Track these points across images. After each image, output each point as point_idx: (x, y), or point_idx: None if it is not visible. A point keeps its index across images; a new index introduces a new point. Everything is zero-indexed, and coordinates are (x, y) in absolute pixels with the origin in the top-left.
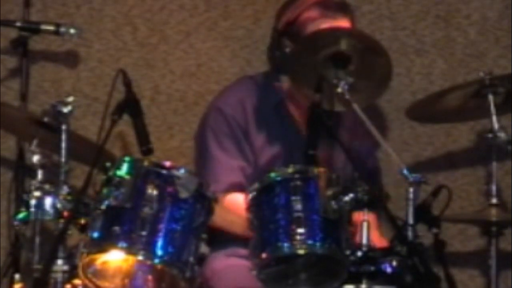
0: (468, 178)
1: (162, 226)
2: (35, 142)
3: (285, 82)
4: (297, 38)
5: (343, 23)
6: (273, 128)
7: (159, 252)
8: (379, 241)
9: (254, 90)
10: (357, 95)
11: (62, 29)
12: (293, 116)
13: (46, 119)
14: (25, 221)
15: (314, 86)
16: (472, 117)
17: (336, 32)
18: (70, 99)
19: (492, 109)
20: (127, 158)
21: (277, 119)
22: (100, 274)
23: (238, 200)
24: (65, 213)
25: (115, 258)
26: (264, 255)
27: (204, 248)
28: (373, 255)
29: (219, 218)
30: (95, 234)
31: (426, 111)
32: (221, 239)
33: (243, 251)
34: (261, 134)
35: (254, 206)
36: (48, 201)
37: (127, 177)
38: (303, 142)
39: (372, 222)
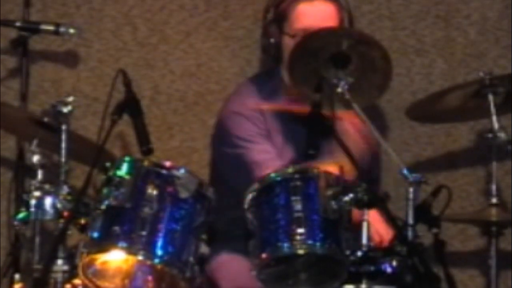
0: (468, 178)
1: (162, 226)
2: (35, 142)
3: (285, 78)
4: (280, 22)
5: (321, 5)
6: (290, 127)
7: (159, 252)
8: (387, 232)
9: (262, 92)
10: (358, 95)
11: (62, 29)
12: (295, 113)
13: (46, 119)
14: (25, 221)
15: (314, 86)
16: (472, 117)
17: (333, 32)
18: (70, 99)
19: (492, 109)
20: (127, 158)
21: (290, 116)
22: (100, 274)
23: None
24: (65, 213)
25: (115, 258)
26: (264, 255)
27: (204, 248)
28: (373, 255)
29: None
30: (95, 234)
31: (426, 111)
32: (222, 238)
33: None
34: (280, 135)
35: (254, 206)
36: (48, 201)
37: (127, 177)
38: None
39: (377, 215)
